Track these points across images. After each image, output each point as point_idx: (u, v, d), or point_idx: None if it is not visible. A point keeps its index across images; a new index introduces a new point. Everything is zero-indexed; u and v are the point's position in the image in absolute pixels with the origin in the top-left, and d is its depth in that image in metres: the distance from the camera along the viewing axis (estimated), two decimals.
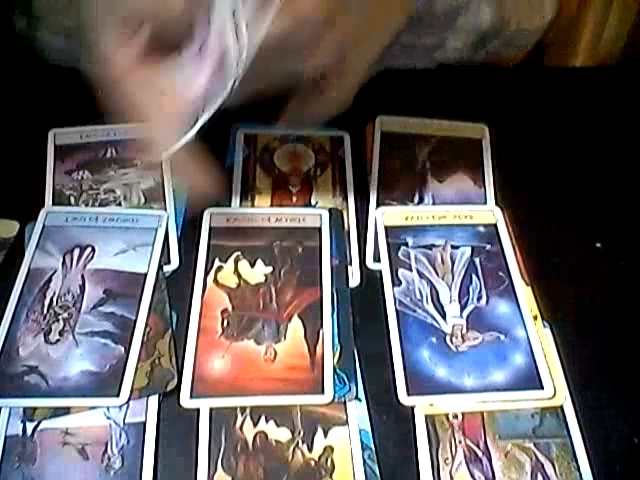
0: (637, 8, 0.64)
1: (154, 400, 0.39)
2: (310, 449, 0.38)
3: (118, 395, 0.39)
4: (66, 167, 0.51)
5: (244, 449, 0.38)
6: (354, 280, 0.46)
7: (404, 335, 0.43)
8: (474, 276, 0.46)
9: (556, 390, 0.40)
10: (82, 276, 0.44)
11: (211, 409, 0.39)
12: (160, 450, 0.38)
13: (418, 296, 0.45)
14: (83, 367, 0.40)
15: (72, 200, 0.49)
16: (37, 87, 0.56)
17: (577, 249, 0.49)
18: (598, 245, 0.49)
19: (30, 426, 0.38)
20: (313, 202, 0.50)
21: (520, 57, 0.64)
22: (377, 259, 0.47)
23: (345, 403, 0.40)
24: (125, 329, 0.42)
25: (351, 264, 0.47)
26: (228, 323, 0.43)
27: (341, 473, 0.37)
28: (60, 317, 0.42)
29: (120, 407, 0.39)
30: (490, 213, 0.50)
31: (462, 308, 0.44)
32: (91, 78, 0.39)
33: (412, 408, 0.40)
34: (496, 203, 0.51)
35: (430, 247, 0.47)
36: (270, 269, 0.46)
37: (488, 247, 0.48)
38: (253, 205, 0.50)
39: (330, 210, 0.49)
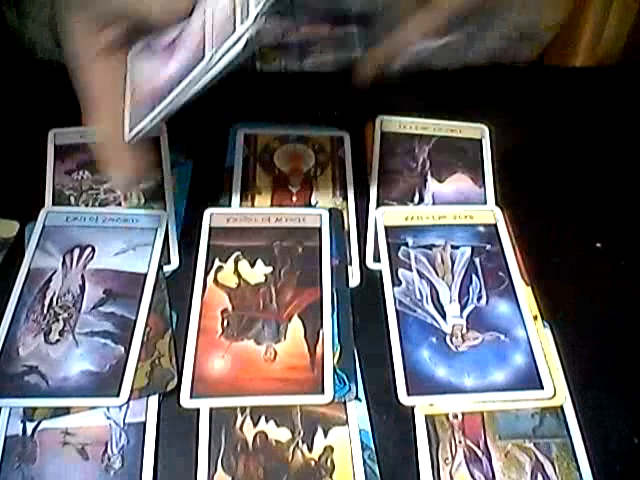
0: (637, 8, 0.64)
1: (154, 400, 0.39)
2: (310, 449, 0.38)
3: (118, 395, 0.39)
4: (66, 167, 0.51)
5: (244, 449, 0.38)
6: (354, 280, 0.46)
7: (404, 335, 0.43)
8: (474, 276, 0.46)
9: (556, 390, 0.40)
10: (82, 276, 0.44)
11: (211, 409, 0.39)
12: (160, 450, 0.38)
13: (418, 296, 0.45)
14: (83, 367, 0.40)
15: (72, 200, 0.49)
16: (37, 87, 0.56)
17: (577, 249, 0.49)
18: (598, 245, 0.49)
19: (30, 426, 0.38)
20: (313, 202, 0.50)
21: (535, 55, 0.64)
22: (377, 259, 0.47)
23: (345, 403, 0.40)
24: (125, 329, 0.42)
25: (351, 264, 0.47)
26: (228, 323, 0.43)
27: (341, 473, 0.37)
28: (60, 317, 0.42)
29: (120, 407, 0.39)
30: (490, 213, 0.50)
31: (462, 308, 0.44)
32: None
33: (412, 408, 0.40)
34: (496, 203, 0.51)
35: (430, 247, 0.47)
36: (270, 269, 0.46)
37: (488, 247, 0.48)
38: (253, 205, 0.50)
39: (330, 210, 0.49)
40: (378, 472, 0.37)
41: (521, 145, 0.55)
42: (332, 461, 0.38)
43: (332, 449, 0.38)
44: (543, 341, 0.43)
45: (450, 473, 0.38)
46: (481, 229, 0.49)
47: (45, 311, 0.43)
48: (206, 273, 0.45)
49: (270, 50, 0.57)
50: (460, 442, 0.39)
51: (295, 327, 0.43)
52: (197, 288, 0.44)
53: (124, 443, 0.38)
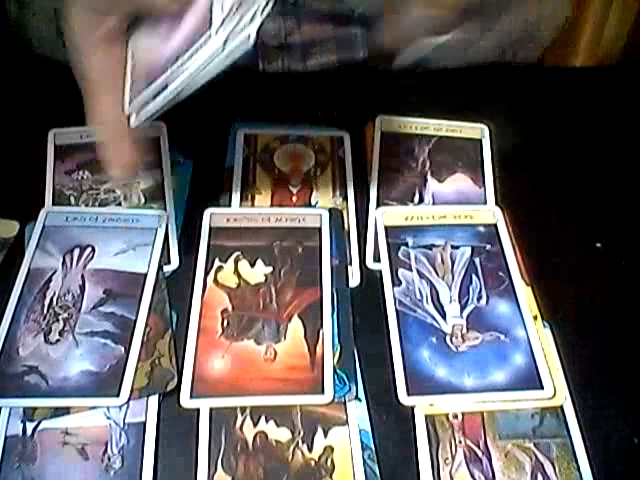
0: (637, 8, 0.64)
1: (154, 400, 0.39)
2: (310, 449, 0.38)
3: (118, 395, 0.39)
4: (66, 167, 0.51)
5: (244, 449, 0.38)
6: (354, 280, 0.46)
7: (404, 335, 0.43)
8: (474, 276, 0.46)
9: (556, 390, 0.40)
10: (82, 276, 0.44)
11: (211, 409, 0.39)
12: (160, 450, 0.38)
13: (418, 296, 0.45)
14: (83, 367, 0.40)
15: (72, 200, 0.49)
16: (37, 87, 0.56)
17: (577, 249, 0.49)
18: (598, 245, 0.49)
19: (30, 426, 0.38)
20: (313, 202, 0.50)
21: (538, 55, 0.64)
22: (377, 259, 0.47)
23: (345, 403, 0.40)
24: (125, 329, 0.42)
25: (351, 264, 0.47)
26: (228, 323, 0.43)
27: (341, 473, 0.37)
28: (60, 317, 0.42)
29: (120, 407, 0.39)
30: (490, 213, 0.50)
31: (462, 308, 0.44)
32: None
33: (412, 408, 0.40)
34: (496, 203, 0.51)
35: (430, 247, 0.47)
36: (270, 269, 0.46)
37: (488, 247, 0.48)
38: (253, 205, 0.50)
39: (330, 210, 0.49)
40: (378, 472, 0.37)
41: (521, 145, 0.55)
42: (332, 461, 0.38)
43: (332, 449, 0.38)
44: (543, 341, 0.43)
45: (450, 473, 0.38)
46: (481, 229, 0.49)
47: (45, 311, 0.43)
48: (206, 273, 0.45)
49: (273, 50, 0.57)
50: (460, 442, 0.39)
51: (295, 327, 0.43)
52: (197, 288, 0.44)
53: (124, 443, 0.38)
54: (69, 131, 0.52)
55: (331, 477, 0.37)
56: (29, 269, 0.45)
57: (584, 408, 0.40)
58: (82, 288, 0.44)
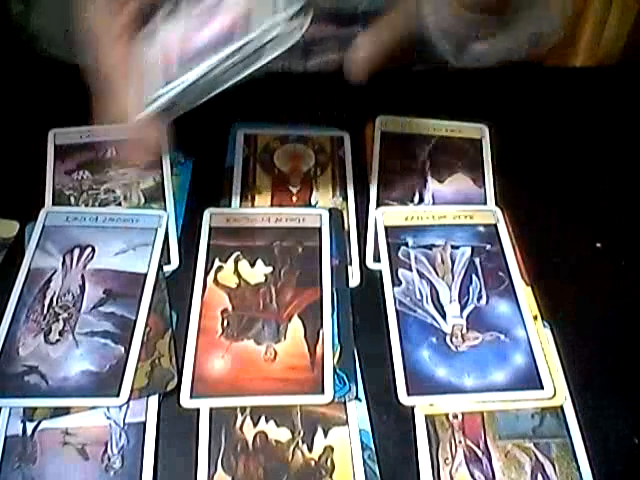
0: (637, 8, 0.64)
1: (154, 400, 0.39)
2: (310, 449, 0.38)
3: (118, 395, 0.39)
4: (66, 167, 0.51)
5: (244, 449, 0.38)
6: (354, 280, 0.46)
7: (404, 335, 0.43)
8: (474, 276, 0.46)
9: (556, 390, 0.40)
10: (82, 276, 0.44)
11: (211, 409, 0.39)
12: (160, 450, 0.38)
13: (418, 296, 0.45)
14: (83, 367, 0.40)
15: (72, 200, 0.49)
16: (37, 87, 0.56)
17: (577, 249, 0.49)
18: (598, 245, 0.49)
19: (30, 426, 0.38)
20: (313, 202, 0.50)
21: (543, 55, 0.64)
22: (377, 259, 0.47)
23: (345, 403, 0.40)
24: (125, 329, 0.42)
25: (351, 264, 0.47)
26: (228, 323, 0.43)
27: (341, 473, 0.37)
28: (60, 317, 0.42)
29: (120, 407, 0.39)
30: (490, 213, 0.50)
31: (462, 308, 0.44)
32: (81, 68, 0.39)
33: (412, 408, 0.40)
34: (496, 203, 0.51)
35: (430, 247, 0.47)
36: (270, 269, 0.46)
37: (488, 247, 0.48)
38: (253, 205, 0.50)
39: (330, 210, 0.49)
40: (378, 472, 0.37)
41: (521, 145, 0.55)
42: (332, 461, 0.38)
43: (332, 449, 0.38)
44: (543, 341, 0.43)
45: (450, 473, 0.38)
46: (481, 229, 0.49)
47: (45, 311, 0.43)
48: (206, 273, 0.45)
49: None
50: (460, 442, 0.39)
51: (295, 327, 0.43)
52: (197, 288, 0.44)
53: (124, 443, 0.38)
54: (69, 131, 0.52)
55: (331, 477, 0.37)
56: (29, 269, 0.45)
57: (584, 408, 0.40)
58: (82, 288, 0.44)
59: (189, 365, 0.41)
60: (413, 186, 0.52)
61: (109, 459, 0.37)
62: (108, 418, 0.39)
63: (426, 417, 0.39)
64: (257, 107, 0.56)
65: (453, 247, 0.47)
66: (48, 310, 0.43)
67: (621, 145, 0.56)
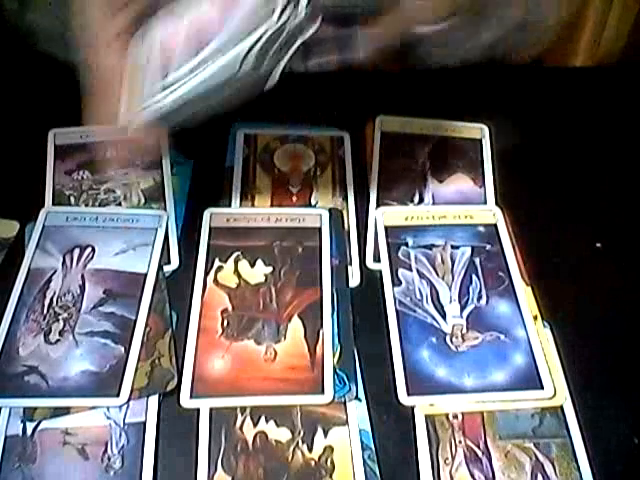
0: (637, 8, 0.64)
1: (154, 400, 0.39)
2: (310, 449, 0.38)
3: (118, 395, 0.39)
4: (66, 167, 0.51)
5: (244, 449, 0.38)
6: (354, 280, 0.46)
7: (404, 335, 0.43)
8: (474, 276, 0.46)
9: (556, 390, 0.40)
10: (82, 276, 0.44)
11: (211, 409, 0.39)
12: (160, 450, 0.38)
13: (418, 296, 0.45)
14: (83, 367, 0.40)
15: (72, 200, 0.49)
16: (37, 87, 0.56)
17: (577, 249, 0.49)
18: (598, 245, 0.49)
19: (30, 426, 0.38)
20: (313, 202, 0.50)
21: (534, 55, 0.64)
22: (377, 259, 0.47)
23: (345, 403, 0.40)
24: (125, 329, 0.42)
25: (351, 264, 0.47)
26: (228, 323, 0.43)
27: (341, 473, 0.37)
28: (60, 317, 0.42)
29: (120, 407, 0.39)
30: (490, 213, 0.50)
31: (462, 308, 0.44)
32: (74, 66, 0.39)
33: (412, 408, 0.40)
34: (496, 203, 0.51)
35: (430, 247, 0.47)
36: (270, 269, 0.46)
37: (488, 247, 0.48)
38: (253, 205, 0.50)
39: (330, 210, 0.49)
40: (378, 472, 0.37)
41: (521, 145, 0.55)
42: (332, 461, 0.38)
43: (332, 449, 0.38)
44: (543, 341, 0.43)
45: (450, 473, 0.38)
46: (481, 229, 0.49)
47: (45, 311, 0.43)
48: (206, 273, 0.45)
49: None
50: (460, 442, 0.39)
51: (295, 327, 0.43)
52: (197, 288, 0.44)
53: (124, 443, 0.38)
54: (69, 131, 0.52)
55: (331, 477, 0.37)
56: (29, 269, 0.45)
57: (584, 408, 0.40)
58: (82, 288, 0.44)
59: (189, 365, 0.41)
60: (413, 186, 0.52)
61: (109, 459, 0.37)
62: (108, 418, 0.39)
63: (426, 417, 0.39)
64: (257, 107, 0.56)
65: (453, 247, 0.47)
66: (48, 310, 0.43)
67: (621, 145, 0.56)
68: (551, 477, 0.38)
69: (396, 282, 0.45)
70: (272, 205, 0.50)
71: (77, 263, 0.45)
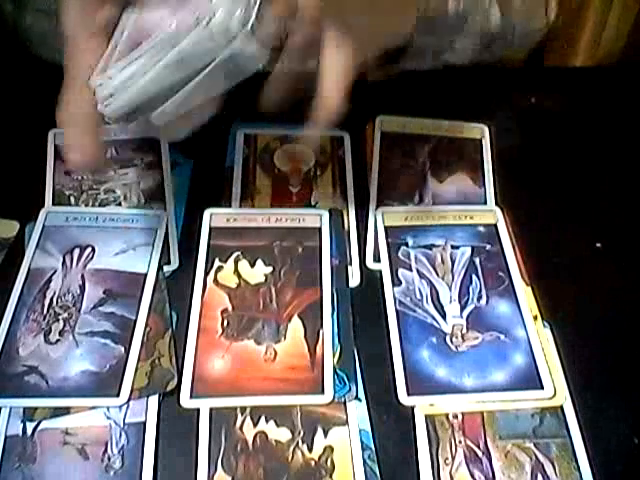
0: (637, 8, 0.64)
1: (154, 400, 0.39)
2: (310, 449, 0.38)
3: (118, 395, 0.39)
4: (66, 167, 0.51)
5: (244, 449, 0.38)
6: (354, 280, 0.46)
7: (404, 335, 0.43)
8: (474, 276, 0.46)
9: (556, 390, 0.40)
10: (82, 276, 0.44)
11: (211, 409, 0.39)
12: (160, 450, 0.38)
13: (418, 296, 0.45)
14: (83, 367, 0.40)
15: (72, 200, 0.49)
16: (37, 87, 0.56)
17: (577, 249, 0.49)
18: (598, 245, 0.49)
19: (30, 426, 0.38)
20: (313, 202, 0.50)
21: (522, 57, 0.64)
22: (377, 259, 0.47)
23: (345, 403, 0.40)
24: (125, 329, 0.42)
25: (351, 264, 0.47)
26: (228, 323, 0.43)
27: (341, 473, 0.37)
28: (60, 317, 0.42)
29: (120, 407, 0.39)
30: (490, 213, 0.50)
31: (462, 308, 0.44)
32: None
33: (412, 408, 0.40)
34: (496, 203, 0.51)
35: (430, 247, 0.47)
36: (270, 269, 0.46)
37: (488, 247, 0.48)
38: (253, 205, 0.50)
39: (330, 210, 0.49)
40: (378, 472, 0.37)
41: (521, 145, 0.55)
42: (332, 461, 0.38)
43: (332, 449, 0.38)
44: (543, 341, 0.43)
45: (450, 473, 0.38)
46: (481, 229, 0.49)
47: (45, 311, 0.43)
48: (206, 273, 0.45)
49: (273, 50, 0.57)
50: (460, 442, 0.39)
51: (295, 327, 0.43)
52: (197, 288, 0.44)
53: (124, 443, 0.38)
54: None
55: (331, 477, 0.37)
56: (29, 269, 0.45)
57: (584, 408, 0.40)
58: (82, 288, 0.44)
59: (189, 365, 0.41)
60: (413, 186, 0.52)
61: (109, 459, 0.37)
62: (108, 418, 0.39)
63: (426, 417, 0.39)
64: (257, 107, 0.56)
65: (453, 247, 0.47)
66: (48, 310, 0.43)
67: (621, 145, 0.56)
68: (551, 477, 0.38)
69: (396, 282, 0.45)
70: (272, 205, 0.50)
71: (77, 263, 0.45)
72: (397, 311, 0.44)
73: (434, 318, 0.44)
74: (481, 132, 0.55)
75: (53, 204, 0.49)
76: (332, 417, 0.39)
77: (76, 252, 0.46)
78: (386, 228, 0.48)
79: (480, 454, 0.38)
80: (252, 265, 0.46)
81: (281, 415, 0.39)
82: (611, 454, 0.39)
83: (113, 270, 0.45)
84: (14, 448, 0.37)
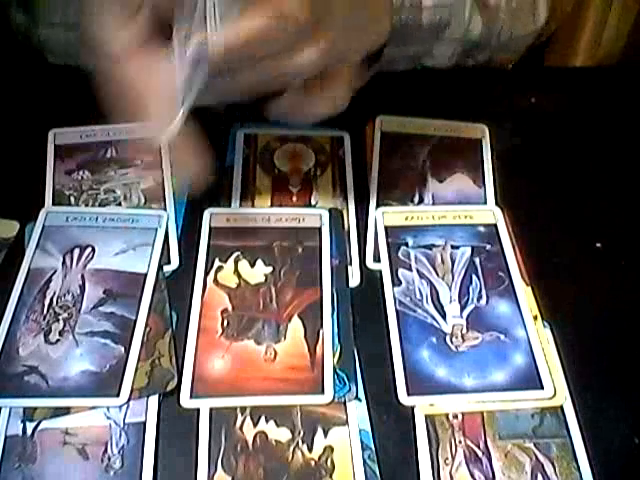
0: (637, 8, 0.64)
1: (154, 400, 0.39)
2: (310, 449, 0.38)
3: (118, 395, 0.39)
4: (66, 167, 0.51)
5: (244, 449, 0.38)
6: (354, 280, 0.46)
7: (404, 335, 0.43)
8: (474, 276, 0.46)
9: (556, 390, 0.40)
10: (82, 276, 0.44)
11: (211, 409, 0.39)
12: (160, 450, 0.38)
13: (418, 296, 0.45)
14: (83, 367, 0.40)
15: (72, 200, 0.49)
16: (37, 87, 0.56)
17: (577, 249, 0.49)
18: (598, 245, 0.49)
19: (30, 426, 0.38)
20: (313, 202, 0.50)
21: (513, 60, 0.64)
22: (377, 259, 0.47)
23: (345, 403, 0.40)
24: (125, 329, 0.42)
25: (351, 264, 0.47)
26: (228, 323, 0.43)
27: (341, 473, 0.37)
28: (60, 317, 0.42)
29: (120, 407, 0.39)
30: (490, 213, 0.50)
31: (462, 308, 0.44)
32: (90, 74, 0.37)
33: (412, 408, 0.40)
34: (496, 203, 0.51)
35: (430, 247, 0.47)
36: (270, 269, 0.46)
37: (488, 247, 0.48)
38: (253, 205, 0.50)
39: (330, 210, 0.49)
40: (378, 472, 0.37)
41: (521, 145, 0.55)
42: (332, 461, 0.38)
43: (332, 449, 0.38)
44: (543, 341, 0.43)
45: (450, 473, 0.38)
46: (481, 229, 0.49)
47: (45, 311, 0.43)
48: (206, 273, 0.45)
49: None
50: (460, 442, 0.39)
51: (295, 327, 0.43)
52: (197, 288, 0.44)
53: (124, 443, 0.38)
54: (69, 131, 0.52)
55: (331, 477, 0.37)
56: (29, 269, 0.45)
57: (584, 408, 0.40)
58: (82, 288, 0.44)
59: (189, 365, 0.41)
60: (413, 186, 0.52)
61: (109, 459, 0.37)
62: (108, 418, 0.39)
63: (426, 417, 0.39)
64: (257, 107, 0.56)
65: (453, 247, 0.47)
66: (48, 310, 0.43)
67: (621, 145, 0.56)
68: (551, 477, 0.38)
69: (396, 282, 0.45)
70: (272, 205, 0.50)
71: (77, 263, 0.45)
72: (397, 311, 0.44)
73: (434, 318, 0.44)
74: (481, 132, 0.55)
75: (53, 204, 0.49)
76: (332, 417, 0.39)
77: (76, 252, 0.46)
78: (386, 228, 0.48)
79: (480, 454, 0.38)
80: (252, 265, 0.46)
81: (281, 415, 0.39)
82: (611, 454, 0.39)
83: (113, 270, 0.45)
84: (14, 448, 0.37)
